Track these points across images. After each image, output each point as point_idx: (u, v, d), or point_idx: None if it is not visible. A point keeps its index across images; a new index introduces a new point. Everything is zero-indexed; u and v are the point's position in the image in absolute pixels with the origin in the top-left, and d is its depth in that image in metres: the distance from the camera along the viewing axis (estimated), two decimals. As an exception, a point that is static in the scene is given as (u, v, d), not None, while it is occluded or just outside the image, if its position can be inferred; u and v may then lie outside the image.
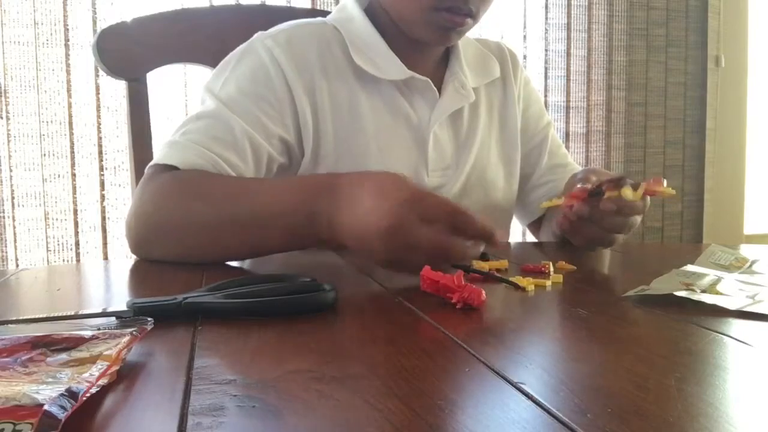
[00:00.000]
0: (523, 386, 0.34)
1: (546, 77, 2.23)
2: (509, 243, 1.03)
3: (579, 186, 0.81)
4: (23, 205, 1.71)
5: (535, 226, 1.12)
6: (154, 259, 0.77)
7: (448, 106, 0.95)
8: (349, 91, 0.90)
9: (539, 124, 1.10)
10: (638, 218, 0.82)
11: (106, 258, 1.76)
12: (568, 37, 2.24)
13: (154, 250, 0.76)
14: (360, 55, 0.91)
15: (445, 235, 0.61)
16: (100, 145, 1.76)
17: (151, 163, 0.81)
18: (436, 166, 0.95)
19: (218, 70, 0.89)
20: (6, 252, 1.70)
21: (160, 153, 0.81)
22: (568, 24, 2.23)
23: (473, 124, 1.00)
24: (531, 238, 2.15)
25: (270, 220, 0.69)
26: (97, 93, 1.75)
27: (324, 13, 1.04)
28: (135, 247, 0.78)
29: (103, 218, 1.76)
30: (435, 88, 0.94)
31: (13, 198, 1.70)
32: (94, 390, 0.32)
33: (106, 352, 0.35)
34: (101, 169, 1.76)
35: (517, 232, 2.02)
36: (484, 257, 0.70)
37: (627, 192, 0.75)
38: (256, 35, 0.91)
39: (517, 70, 1.08)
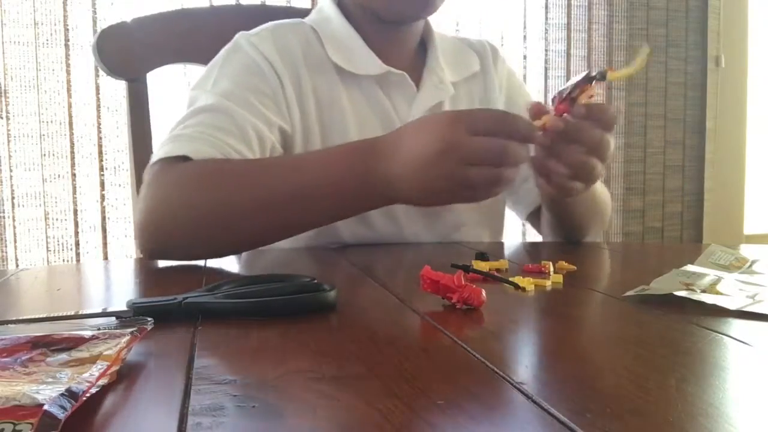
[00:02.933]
0: (523, 386, 0.34)
1: (546, 77, 2.23)
2: (503, 243, 1.04)
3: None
4: (23, 205, 1.71)
5: (534, 217, 1.10)
6: (178, 258, 0.74)
7: (426, 101, 0.95)
8: (330, 87, 0.91)
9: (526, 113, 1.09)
10: (611, 140, 0.74)
11: (106, 258, 1.76)
12: (568, 37, 2.24)
13: (179, 248, 0.73)
14: (337, 53, 0.91)
15: (496, 140, 0.62)
16: (100, 145, 1.76)
17: (155, 160, 0.78)
18: None
19: (205, 73, 0.89)
20: (6, 252, 1.70)
21: (164, 148, 0.78)
22: (568, 24, 2.23)
23: None
24: (530, 237, 2.15)
25: (319, 191, 0.69)
26: (97, 93, 1.75)
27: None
28: (155, 248, 0.74)
29: (103, 218, 1.76)
30: (412, 83, 0.94)
31: (13, 198, 1.70)
32: (94, 390, 0.32)
33: (106, 352, 0.35)
34: (101, 169, 1.76)
35: (517, 232, 2.02)
36: (484, 257, 0.70)
37: (614, 74, 0.73)
38: (237, 35, 0.91)
39: (498, 61, 1.07)
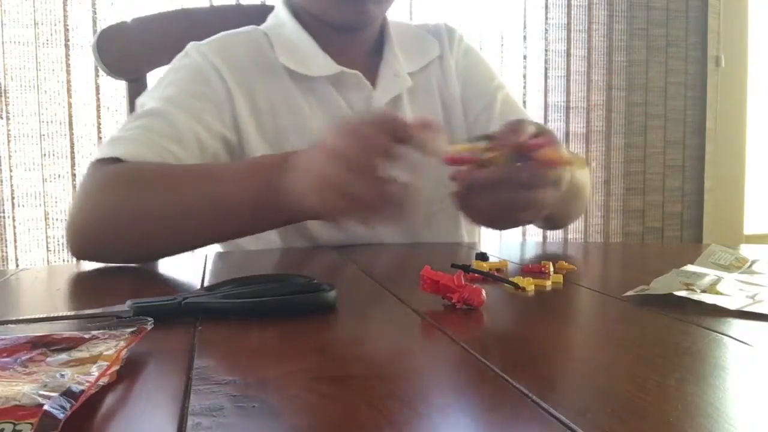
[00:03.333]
0: (523, 386, 0.34)
1: (546, 77, 2.23)
2: (477, 242, 1.03)
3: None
4: (23, 205, 1.71)
5: None
6: (102, 260, 0.74)
7: (383, 97, 0.94)
8: (285, 92, 0.91)
9: (485, 87, 1.03)
10: (553, 191, 0.63)
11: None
12: (568, 37, 2.24)
13: (102, 249, 0.73)
14: (287, 56, 0.91)
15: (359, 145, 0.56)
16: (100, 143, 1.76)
17: (92, 162, 0.78)
18: None
19: (154, 83, 0.90)
20: (6, 252, 1.70)
21: (101, 151, 0.78)
22: (568, 24, 2.23)
23: (414, 110, 0.97)
24: (531, 237, 2.15)
25: (230, 202, 0.68)
26: (97, 93, 1.75)
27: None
28: (80, 248, 0.75)
29: (103, 218, 1.76)
30: (367, 81, 0.94)
31: (13, 198, 1.70)
32: (94, 390, 0.32)
33: (106, 352, 0.35)
34: (101, 169, 1.76)
35: (517, 231, 2.02)
36: (483, 257, 0.70)
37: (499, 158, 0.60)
38: (188, 45, 0.92)
39: (454, 42, 1.04)
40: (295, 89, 0.91)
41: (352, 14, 0.90)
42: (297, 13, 0.96)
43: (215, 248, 0.97)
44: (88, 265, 0.73)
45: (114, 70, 1.04)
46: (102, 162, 0.76)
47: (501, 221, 0.68)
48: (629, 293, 0.55)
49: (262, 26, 0.97)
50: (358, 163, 0.56)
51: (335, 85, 0.93)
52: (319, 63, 0.92)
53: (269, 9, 1.08)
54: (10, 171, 1.70)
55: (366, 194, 0.56)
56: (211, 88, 0.87)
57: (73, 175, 1.74)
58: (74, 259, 0.77)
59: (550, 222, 0.98)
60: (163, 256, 0.74)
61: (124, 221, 0.71)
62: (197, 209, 0.69)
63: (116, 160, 0.76)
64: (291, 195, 0.63)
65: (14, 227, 1.71)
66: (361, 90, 0.94)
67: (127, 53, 1.04)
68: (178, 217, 0.70)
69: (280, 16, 0.96)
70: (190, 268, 0.73)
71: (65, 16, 1.71)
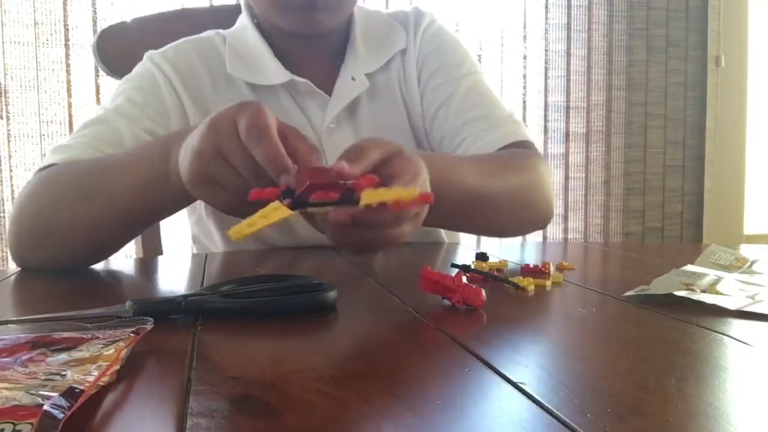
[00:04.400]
0: (523, 386, 0.34)
1: (546, 77, 2.23)
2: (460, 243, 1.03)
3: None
4: (23, 205, 1.71)
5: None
6: (30, 266, 0.74)
7: (337, 104, 0.91)
8: (240, 100, 0.89)
9: (447, 76, 0.94)
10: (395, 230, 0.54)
11: (106, 258, 1.76)
12: (568, 37, 2.24)
13: (27, 256, 0.74)
14: (237, 65, 0.90)
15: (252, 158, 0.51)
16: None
17: (35, 170, 0.79)
18: None
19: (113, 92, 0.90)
20: (6, 252, 1.70)
21: (45, 159, 0.80)
22: (568, 24, 2.23)
23: (374, 112, 0.93)
24: (531, 237, 2.15)
25: (123, 184, 0.66)
26: (97, 93, 1.75)
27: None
28: (13, 254, 0.76)
29: (103, 218, 1.76)
30: (320, 90, 0.91)
31: (13, 198, 1.70)
32: (94, 390, 0.32)
33: (106, 352, 0.35)
34: (101, 169, 1.76)
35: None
36: (484, 257, 0.70)
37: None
38: (146, 54, 0.92)
39: (420, 27, 0.96)
40: (251, 98, 0.88)
41: (300, 23, 0.87)
42: (257, 19, 0.94)
43: (215, 248, 0.97)
44: (89, 266, 0.73)
45: (114, 70, 1.04)
46: (42, 170, 0.77)
47: (365, 251, 0.69)
48: (629, 293, 0.55)
49: (227, 30, 0.96)
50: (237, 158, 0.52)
51: (293, 95, 0.91)
52: (270, 71, 0.90)
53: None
54: (10, 171, 1.70)
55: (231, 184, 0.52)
56: (160, 98, 0.87)
57: (73, 175, 1.74)
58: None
59: (486, 234, 0.95)
60: (82, 260, 0.73)
61: (37, 226, 0.72)
62: (96, 203, 0.68)
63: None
64: (175, 170, 0.60)
65: (14, 227, 1.71)
66: (316, 99, 0.91)
67: (127, 53, 1.04)
68: (80, 216, 0.69)
69: (243, 20, 0.95)
70: (190, 268, 0.73)
71: (65, 16, 1.71)
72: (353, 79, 0.92)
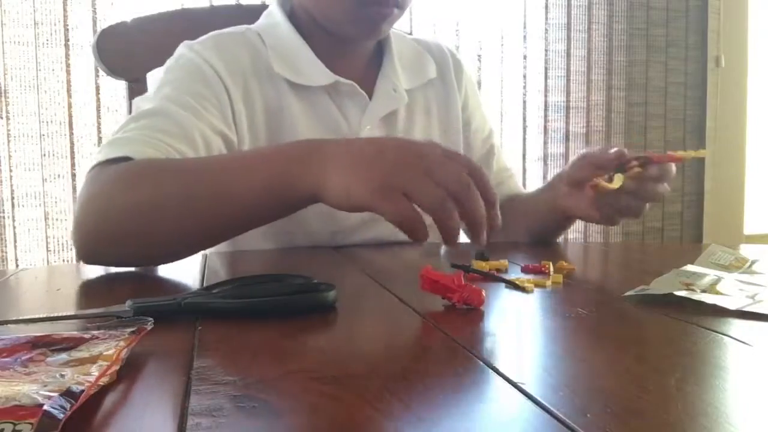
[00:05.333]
0: (523, 386, 0.34)
1: (546, 77, 2.23)
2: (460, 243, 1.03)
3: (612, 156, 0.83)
4: (23, 205, 1.71)
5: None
6: (109, 263, 0.71)
7: (379, 110, 0.93)
8: (280, 97, 0.90)
9: (482, 134, 1.07)
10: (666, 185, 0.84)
11: (106, 258, 1.75)
12: (568, 37, 2.24)
13: (109, 252, 0.70)
14: (281, 63, 0.90)
15: (467, 177, 0.56)
16: (100, 145, 1.76)
17: (94, 164, 0.74)
18: None
19: (150, 87, 0.88)
20: (6, 252, 1.70)
21: (102, 152, 0.74)
22: (568, 24, 2.23)
23: (409, 127, 0.97)
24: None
25: (240, 190, 0.64)
26: (97, 93, 1.75)
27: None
28: (87, 252, 0.71)
29: (103, 218, 1.76)
30: (363, 92, 0.92)
31: (13, 198, 1.70)
32: (94, 390, 0.32)
33: (106, 352, 0.35)
34: (101, 169, 1.76)
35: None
36: (483, 257, 0.70)
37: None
38: (181, 45, 0.90)
39: (461, 75, 1.05)
40: (290, 94, 0.90)
41: (366, 32, 0.90)
42: (294, 14, 0.94)
43: (215, 248, 0.97)
44: (89, 266, 0.73)
45: (114, 70, 1.04)
46: (106, 163, 0.73)
47: (633, 214, 0.85)
48: (629, 293, 0.55)
49: (254, 26, 0.95)
50: (448, 188, 0.55)
51: (331, 95, 0.92)
52: (314, 72, 0.90)
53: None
54: (10, 171, 1.70)
55: (415, 213, 0.54)
56: (209, 87, 0.85)
57: (73, 175, 1.74)
58: (74, 260, 0.77)
59: (550, 238, 0.99)
60: (172, 255, 0.70)
61: (130, 219, 0.68)
62: (203, 199, 0.66)
63: (121, 161, 0.72)
64: (317, 183, 0.60)
65: (14, 227, 1.71)
66: (357, 101, 0.93)
67: (127, 53, 1.04)
68: (184, 209, 0.66)
69: (275, 16, 0.94)
70: (190, 268, 0.73)
71: (65, 16, 1.71)
72: (394, 90, 0.95)
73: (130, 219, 0.68)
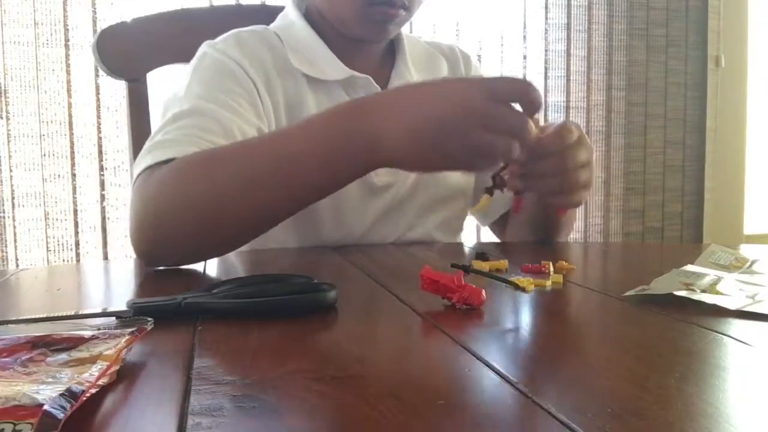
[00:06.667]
0: (523, 386, 0.34)
1: (546, 77, 2.23)
2: (463, 242, 1.03)
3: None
4: (23, 205, 1.71)
5: (497, 226, 1.09)
6: (175, 261, 0.71)
7: None
8: (298, 92, 0.91)
9: None
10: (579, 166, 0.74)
11: (106, 258, 1.76)
12: (568, 37, 2.23)
13: (175, 248, 0.70)
14: (299, 59, 0.92)
15: (518, 111, 0.61)
16: (100, 145, 1.76)
17: (140, 170, 0.74)
18: None
19: (176, 86, 0.87)
20: (6, 252, 1.70)
21: (147, 157, 0.75)
22: (568, 24, 2.23)
23: None
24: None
25: (302, 157, 0.65)
26: (97, 93, 1.75)
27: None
28: (151, 252, 0.71)
29: (103, 218, 1.76)
30: (378, 86, 0.94)
31: (13, 198, 1.70)
32: (94, 390, 0.32)
33: (106, 352, 0.35)
34: (101, 169, 1.76)
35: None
36: (484, 257, 0.70)
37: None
38: (203, 45, 0.91)
39: (471, 71, 1.07)
40: (308, 89, 0.91)
41: (373, 32, 0.92)
42: (308, 15, 0.96)
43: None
44: (89, 266, 0.73)
45: (114, 70, 1.04)
46: (154, 167, 0.72)
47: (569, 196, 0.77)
48: (629, 293, 0.55)
49: (271, 26, 0.97)
50: (506, 133, 0.61)
51: (347, 90, 0.93)
52: (331, 66, 0.92)
53: (269, 9, 1.08)
54: (10, 171, 1.70)
55: (491, 160, 0.62)
56: (239, 83, 0.86)
57: (73, 175, 1.74)
58: (74, 259, 0.77)
59: (550, 237, 0.99)
60: (239, 240, 0.71)
61: (195, 209, 0.68)
62: (265, 174, 0.66)
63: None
64: (374, 139, 0.63)
65: (14, 227, 1.71)
66: (371, 93, 0.93)
67: (127, 53, 1.04)
68: (248, 189, 0.67)
69: (290, 16, 0.96)
70: (190, 268, 0.73)
71: (65, 16, 1.71)
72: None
73: (193, 215, 0.68)
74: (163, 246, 0.71)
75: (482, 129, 0.60)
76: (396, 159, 0.64)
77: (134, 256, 0.74)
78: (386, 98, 0.67)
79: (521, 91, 0.62)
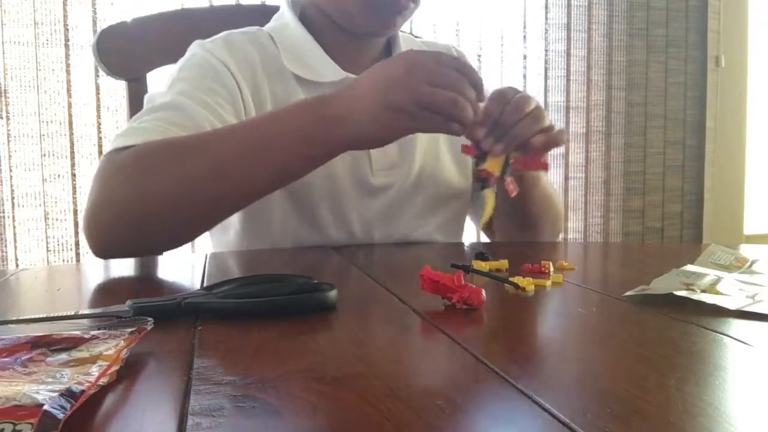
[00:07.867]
0: (523, 386, 0.34)
1: (546, 77, 2.23)
2: (463, 242, 1.03)
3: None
4: (23, 205, 1.71)
5: (488, 226, 1.09)
6: (128, 253, 0.71)
7: None
8: (289, 94, 0.91)
9: None
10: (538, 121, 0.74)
11: (106, 258, 1.75)
12: (568, 37, 2.23)
13: (135, 240, 0.70)
14: (292, 60, 0.91)
15: (458, 74, 0.67)
16: (100, 145, 1.76)
17: (105, 154, 0.76)
18: (380, 166, 0.93)
19: (163, 81, 0.89)
20: (6, 252, 1.70)
21: (115, 141, 0.77)
22: (568, 24, 2.23)
23: None
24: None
25: (270, 142, 0.70)
26: (97, 93, 1.75)
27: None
28: (105, 244, 0.72)
29: (103, 218, 1.76)
30: None
31: (13, 198, 1.70)
32: (94, 390, 0.32)
33: (106, 352, 0.35)
34: (101, 169, 1.76)
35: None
36: (483, 257, 0.70)
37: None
38: (193, 44, 0.92)
39: None
40: (300, 92, 0.91)
41: (379, 25, 0.91)
42: (303, 15, 0.95)
43: (216, 249, 0.97)
44: (89, 266, 0.73)
45: (114, 70, 1.04)
46: (116, 151, 0.74)
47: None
48: (629, 293, 0.55)
49: (266, 27, 0.97)
50: (450, 88, 0.66)
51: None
52: (325, 69, 0.92)
53: (269, 9, 1.08)
54: (10, 171, 1.70)
55: (442, 119, 0.66)
56: (222, 83, 0.87)
57: (73, 175, 1.74)
58: (74, 259, 0.77)
59: (526, 231, 0.99)
60: (204, 226, 0.73)
61: (155, 197, 0.70)
62: (231, 160, 0.70)
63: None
64: (338, 119, 0.69)
65: (14, 227, 1.71)
66: None
67: (127, 53, 1.04)
68: (215, 175, 0.70)
69: (285, 17, 0.96)
70: (190, 268, 0.73)
71: (65, 16, 1.71)
72: None
73: (156, 201, 0.69)
74: (115, 237, 0.72)
75: (427, 83, 0.66)
76: (362, 134, 0.69)
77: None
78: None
79: (463, 66, 0.68)
